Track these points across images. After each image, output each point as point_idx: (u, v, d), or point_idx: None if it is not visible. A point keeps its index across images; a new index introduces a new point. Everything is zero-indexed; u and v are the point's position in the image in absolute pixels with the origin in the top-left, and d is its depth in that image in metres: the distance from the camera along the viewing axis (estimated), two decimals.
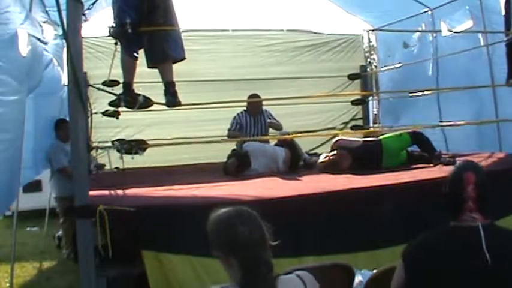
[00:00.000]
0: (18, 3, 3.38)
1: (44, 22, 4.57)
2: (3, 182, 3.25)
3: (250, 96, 5.93)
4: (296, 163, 5.42)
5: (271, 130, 6.11)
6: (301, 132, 5.97)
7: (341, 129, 7.49)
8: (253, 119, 5.99)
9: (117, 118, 4.62)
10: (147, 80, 4.45)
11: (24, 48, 3.41)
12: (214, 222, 1.72)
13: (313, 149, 6.93)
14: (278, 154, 5.26)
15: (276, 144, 5.53)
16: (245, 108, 6.04)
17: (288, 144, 5.39)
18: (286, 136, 5.43)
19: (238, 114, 6.00)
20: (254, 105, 5.96)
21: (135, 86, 4.24)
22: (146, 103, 4.08)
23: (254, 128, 5.95)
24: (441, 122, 6.28)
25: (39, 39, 3.88)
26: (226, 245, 1.67)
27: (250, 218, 1.71)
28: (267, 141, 5.71)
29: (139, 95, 4.12)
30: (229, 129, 6.00)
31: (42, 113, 5.14)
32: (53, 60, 5.03)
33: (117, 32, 3.96)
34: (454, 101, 6.18)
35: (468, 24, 5.83)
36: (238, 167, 5.06)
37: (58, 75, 5.28)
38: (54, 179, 5.89)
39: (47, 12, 4.78)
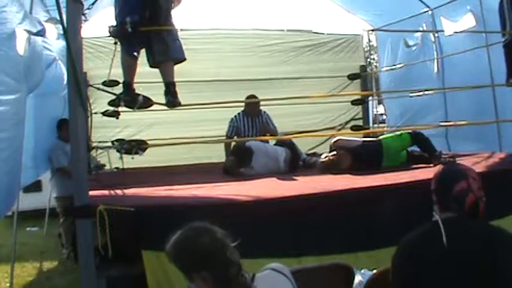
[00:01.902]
0: (16, 2, 3.37)
1: (46, 21, 4.57)
2: (3, 182, 3.24)
3: (248, 98, 5.91)
4: (296, 163, 5.41)
5: None
6: (301, 132, 5.97)
7: (340, 130, 7.50)
8: (251, 120, 5.95)
9: (117, 118, 4.63)
10: (147, 80, 4.45)
11: (22, 48, 3.40)
12: (175, 249, 1.72)
13: (312, 148, 6.94)
14: (279, 154, 5.25)
15: (275, 144, 5.52)
16: (242, 109, 6.01)
17: (288, 145, 5.38)
18: (286, 137, 5.42)
19: (235, 116, 5.96)
20: (252, 107, 5.93)
21: (135, 86, 4.25)
22: (146, 103, 4.09)
23: (252, 129, 5.92)
24: (446, 121, 6.28)
25: (37, 33, 3.87)
26: (197, 261, 1.67)
27: (205, 228, 1.73)
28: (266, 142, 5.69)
29: (139, 95, 4.12)
30: (226, 134, 5.98)
31: (44, 113, 5.13)
32: (56, 59, 5.03)
33: (117, 31, 3.96)
34: (458, 100, 6.19)
35: (470, 23, 5.82)
36: (238, 161, 5.02)
37: (61, 74, 5.27)
38: (54, 178, 5.89)
39: (48, 11, 4.78)
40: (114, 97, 4.21)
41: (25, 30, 3.47)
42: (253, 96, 5.88)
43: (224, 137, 6.01)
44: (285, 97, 5.59)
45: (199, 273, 1.68)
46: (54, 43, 4.98)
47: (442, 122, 6.29)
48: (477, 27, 5.72)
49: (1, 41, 3.08)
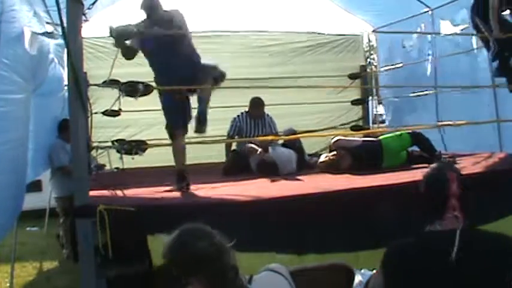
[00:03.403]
0: (25, 1, 3.37)
1: (47, 23, 4.57)
2: (12, 181, 3.24)
3: (253, 100, 5.90)
4: (303, 165, 5.44)
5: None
6: (302, 132, 5.97)
7: (341, 129, 7.50)
8: (253, 121, 5.96)
9: (119, 115, 4.61)
10: (146, 80, 4.44)
11: (31, 47, 3.41)
12: (171, 253, 1.68)
13: (314, 149, 6.93)
14: (293, 159, 5.31)
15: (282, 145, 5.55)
16: (246, 110, 6.01)
17: (297, 148, 5.41)
18: (289, 137, 5.43)
19: (238, 116, 5.96)
20: (257, 109, 5.95)
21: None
22: (147, 90, 4.04)
23: (255, 130, 5.92)
24: (439, 121, 6.28)
25: (46, 34, 3.87)
26: (194, 266, 1.65)
27: (202, 231, 1.70)
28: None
29: (139, 83, 4.08)
30: (228, 134, 5.97)
31: (43, 113, 5.13)
32: (54, 60, 5.03)
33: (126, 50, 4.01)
34: (455, 100, 6.19)
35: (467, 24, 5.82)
36: (263, 175, 4.96)
37: (60, 74, 5.27)
38: (54, 178, 5.89)
39: (48, 12, 4.79)
40: (114, 97, 4.20)
41: (33, 29, 3.47)
42: (258, 99, 5.88)
43: (224, 137, 6.01)
44: (287, 102, 5.60)
45: (195, 277, 1.66)
46: (51, 43, 4.98)
47: (439, 122, 6.30)
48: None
49: (11, 40, 3.08)
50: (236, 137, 5.95)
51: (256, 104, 5.89)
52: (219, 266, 1.65)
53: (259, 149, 5.19)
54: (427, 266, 1.84)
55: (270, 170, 4.98)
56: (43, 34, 3.81)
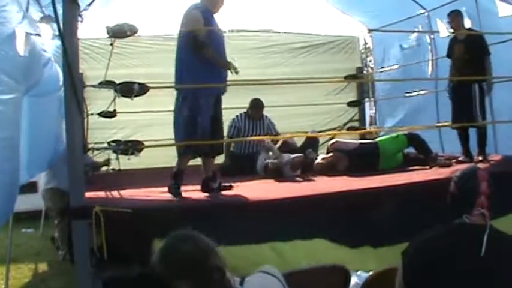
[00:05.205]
0: (16, 2, 3.36)
1: (41, 20, 4.55)
2: (5, 182, 3.22)
3: (253, 101, 5.91)
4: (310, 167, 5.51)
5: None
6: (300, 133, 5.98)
7: (339, 131, 7.51)
8: (252, 122, 5.96)
9: (114, 116, 4.59)
10: (146, 80, 4.44)
11: (21, 48, 3.39)
12: (159, 257, 1.71)
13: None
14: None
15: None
16: (245, 111, 6.01)
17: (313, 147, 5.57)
18: (285, 136, 5.45)
19: (237, 116, 5.95)
20: (256, 110, 5.95)
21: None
22: (143, 90, 4.03)
23: (252, 131, 5.91)
24: (439, 122, 6.29)
25: (37, 34, 3.86)
26: (181, 269, 1.67)
27: (189, 236, 1.72)
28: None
29: (134, 83, 4.06)
30: (227, 134, 5.96)
31: (39, 114, 5.10)
32: (51, 60, 5.01)
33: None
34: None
35: (465, 25, 5.84)
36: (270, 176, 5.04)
37: (56, 74, 5.25)
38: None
39: (43, 11, 4.77)
40: (111, 98, 4.19)
41: (25, 30, 3.46)
42: (258, 100, 5.90)
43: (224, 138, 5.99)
44: (287, 103, 5.60)
45: (183, 280, 1.67)
46: (48, 43, 4.96)
47: (438, 122, 6.31)
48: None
49: (1, 41, 3.07)
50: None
51: (256, 105, 5.90)
52: (204, 269, 1.66)
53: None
54: (458, 255, 1.89)
55: (276, 174, 5.02)
56: (36, 35, 3.79)
